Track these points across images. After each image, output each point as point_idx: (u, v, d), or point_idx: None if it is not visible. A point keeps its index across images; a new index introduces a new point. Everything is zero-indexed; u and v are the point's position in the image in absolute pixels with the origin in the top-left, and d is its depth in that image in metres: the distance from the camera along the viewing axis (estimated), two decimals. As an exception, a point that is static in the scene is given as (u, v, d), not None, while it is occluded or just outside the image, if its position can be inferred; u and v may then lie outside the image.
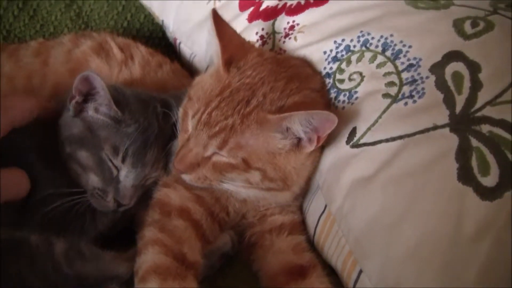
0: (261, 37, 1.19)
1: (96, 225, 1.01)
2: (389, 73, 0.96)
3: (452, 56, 0.92)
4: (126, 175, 0.99)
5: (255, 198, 1.02)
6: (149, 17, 1.58)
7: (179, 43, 1.46)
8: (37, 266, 0.84)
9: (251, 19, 1.23)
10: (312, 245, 1.03)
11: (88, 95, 0.99)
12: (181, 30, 1.44)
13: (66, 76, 1.20)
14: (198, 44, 1.39)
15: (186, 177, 0.97)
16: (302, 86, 0.97)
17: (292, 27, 1.13)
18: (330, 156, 0.99)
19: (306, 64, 1.07)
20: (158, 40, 1.58)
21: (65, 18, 1.47)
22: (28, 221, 0.94)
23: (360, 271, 0.89)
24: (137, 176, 1.00)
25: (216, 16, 1.00)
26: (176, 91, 1.14)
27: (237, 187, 0.97)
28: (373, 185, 0.90)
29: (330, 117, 0.89)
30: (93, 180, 0.99)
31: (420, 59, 0.94)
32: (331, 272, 0.98)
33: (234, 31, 1.05)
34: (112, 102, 0.97)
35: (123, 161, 0.98)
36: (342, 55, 1.03)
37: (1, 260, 0.81)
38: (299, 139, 0.94)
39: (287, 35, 1.14)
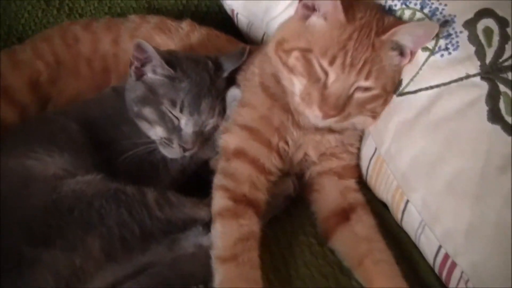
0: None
1: (168, 170, 1.19)
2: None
3: (483, 13, 1.02)
4: (186, 123, 1.15)
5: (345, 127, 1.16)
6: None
7: (237, 14, 1.61)
8: (134, 212, 0.99)
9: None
10: (365, 185, 1.20)
11: (144, 61, 1.16)
12: (238, 2, 1.58)
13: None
14: (255, 13, 1.53)
15: (327, 121, 1.08)
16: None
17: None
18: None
19: None
20: (215, 14, 1.73)
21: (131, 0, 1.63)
22: (116, 173, 1.09)
23: (407, 201, 1.06)
24: (195, 123, 1.16)
25: None
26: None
27: (357, 118, 1.13)
28: (415, 128, 1.05)
29: (434, 25, 1.03)
30: (159, 131, 1.16)
31: (455, 16, 1.06)
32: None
33: None
34: (163, 62, 1.13)
35: (181, 111, 1.15)
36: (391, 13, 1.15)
37: (105, 210, 0.97)
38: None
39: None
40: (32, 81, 1.33)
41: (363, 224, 1.08)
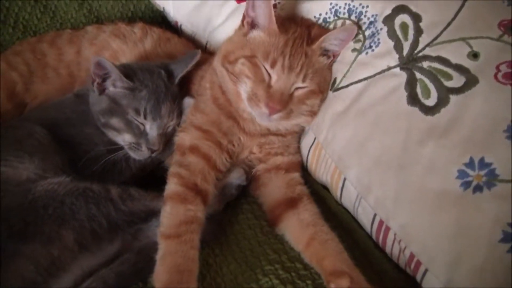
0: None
1: (130, 167, 1.32)
2: (357, 33, 1.25)
3: (400, 9, 1.18)
4: (151, 128, 1.29)
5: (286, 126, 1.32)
6: (149, 6, 1.85)
7: (180, 25, 1.74)
8: (101, 207, 1.10)
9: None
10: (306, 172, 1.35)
11: (104, 76, 1.28)
12: (181, 15, 1.72)
13: None
14: (197, 25, 1.67)
15: (274, 117, 1.20)
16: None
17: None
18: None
19: None
20: (159, 25, 1.79)
21: (79, 15, 1.73)
22: (81, 169, 1.23)
23: (344, 179, 1.21)
24: (159, 126, 1.29)
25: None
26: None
27: (299, 118, 1.28)
28: (347, 116, 1.20)
29: (353, 27, 1.23)
30: (127, 137, 1.29)
31: (377, 15, 1.21)
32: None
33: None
34: (122, 75, 1.26)
35: (145, 117, 1.28)
36: (325, 25, 1.33)
37: (76, 206, 1.07)
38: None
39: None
40: (9, 91, 1.46)
41: (308, 212, 1.21)
